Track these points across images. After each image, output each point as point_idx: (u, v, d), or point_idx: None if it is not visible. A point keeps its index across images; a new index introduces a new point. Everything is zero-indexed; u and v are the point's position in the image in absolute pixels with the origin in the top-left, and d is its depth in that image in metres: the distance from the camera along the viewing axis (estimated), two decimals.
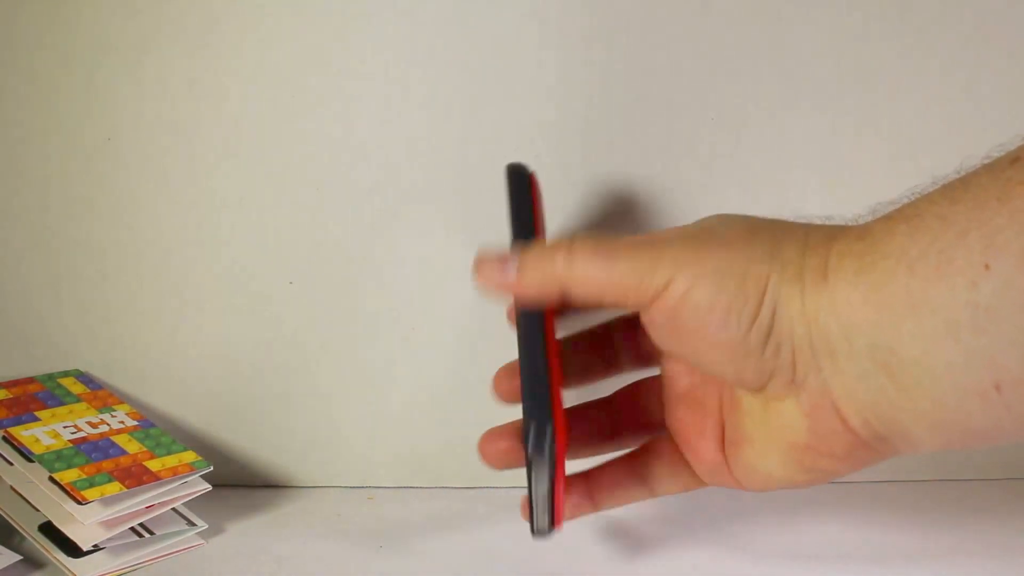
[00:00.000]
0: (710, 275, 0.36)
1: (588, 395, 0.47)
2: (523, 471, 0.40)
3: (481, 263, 0.41)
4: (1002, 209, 0.30)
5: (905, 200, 0.35)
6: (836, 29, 0.51)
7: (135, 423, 0.51)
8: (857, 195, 0.53)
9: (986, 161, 0.33)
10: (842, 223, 0.38)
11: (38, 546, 0.46)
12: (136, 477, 0.47)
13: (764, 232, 0.37)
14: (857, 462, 0.37)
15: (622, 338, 0.45)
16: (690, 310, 0.36)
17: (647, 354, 0.45)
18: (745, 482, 0.40)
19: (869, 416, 0.35)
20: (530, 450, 0.37)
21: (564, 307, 0.41)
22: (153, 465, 0.48)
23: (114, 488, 0.46)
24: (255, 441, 0.56)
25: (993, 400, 0.31)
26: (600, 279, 0.38)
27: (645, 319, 0.38)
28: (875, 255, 0.33)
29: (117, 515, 0.45)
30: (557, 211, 0.52)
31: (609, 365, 0.46)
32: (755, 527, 0.51)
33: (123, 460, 0.48)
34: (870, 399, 0.34)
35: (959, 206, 0.31)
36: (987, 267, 0.30)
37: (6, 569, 0.45)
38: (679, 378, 0.42)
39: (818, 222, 0.38)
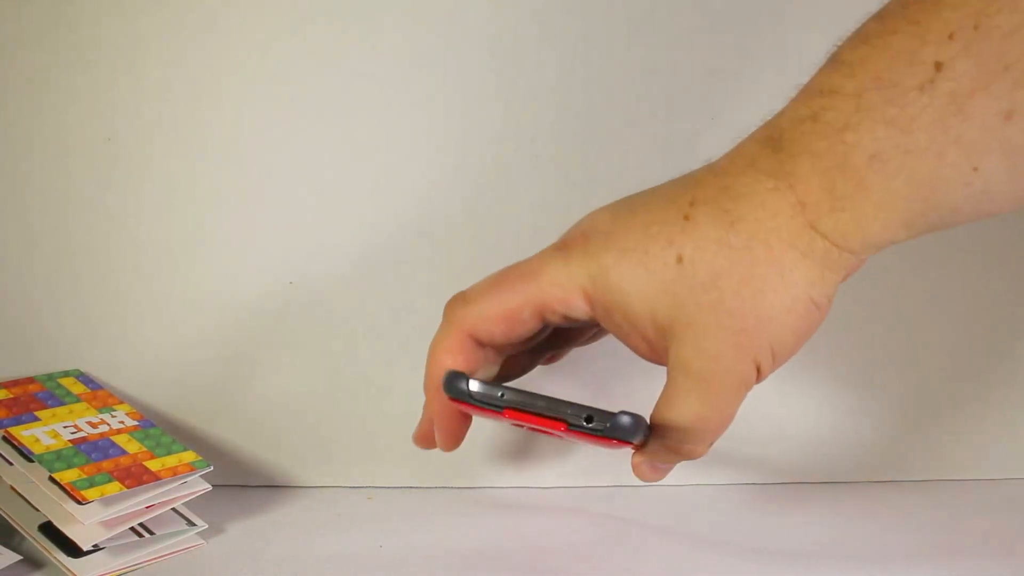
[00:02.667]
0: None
1: None
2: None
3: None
4: (966, 123, 0.33)
5: (834, 135, 0.36)
6: (836, 29, 0.51)
7: (135, 423, 0.51)
8: None
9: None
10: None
11: (38, 546, 0.46)
12: (136, 477, 0.47)
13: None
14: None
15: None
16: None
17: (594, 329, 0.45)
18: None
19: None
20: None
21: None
22: (153, 465, 0.48)
23: (114, 488, 0.46)
24: (255, 441, 0.56)
25: (971, 179, 0.34)
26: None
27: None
28: (865, 213, 0.35)
29: (117, 515, 0.45)
30: (557, 211, 0.52)
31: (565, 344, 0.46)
32: (755, 527, 0.51)
33: (123, 460, 0.48)
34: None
35: (918, 135, 0.34)
36: (976, 169, 0.34)
37: (6, 569, 0.45)
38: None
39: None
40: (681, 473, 0.55)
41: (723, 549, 0.48)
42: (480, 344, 0.41)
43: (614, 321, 0.39)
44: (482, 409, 0.39)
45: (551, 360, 0.47)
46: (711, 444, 0.41)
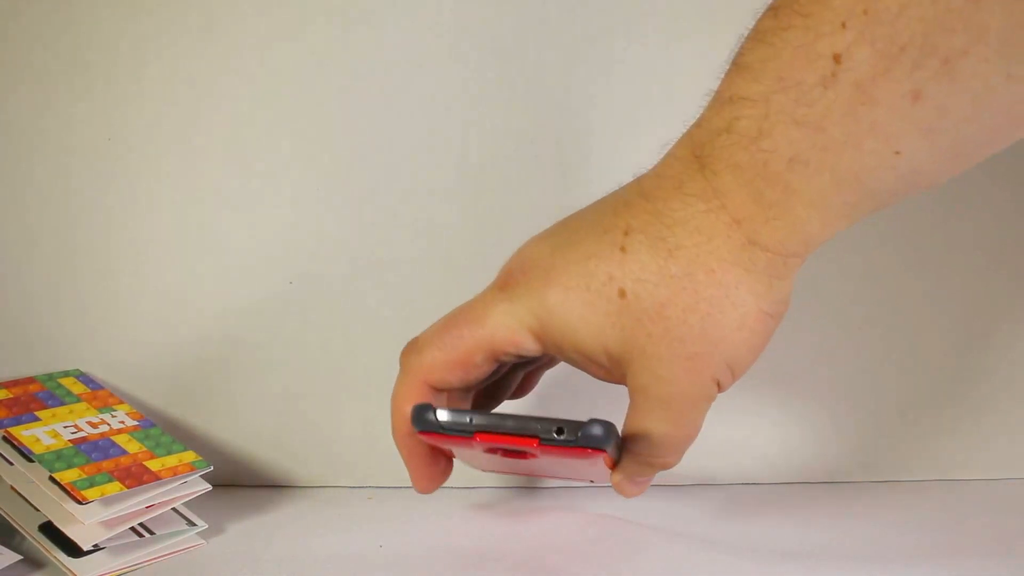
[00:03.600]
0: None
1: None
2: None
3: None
4: (876, 110, 0.33)
5: (749, 141, 0.36)
6: None
7: (135, 423, 0.51)
8: None
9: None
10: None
11: (38, 546, 0.46)
12: (136, 477, 0.47)
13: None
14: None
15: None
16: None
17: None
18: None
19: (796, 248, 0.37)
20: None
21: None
22: (153, 465, 0.48)
23: (114, 488, 0.46)
24: (255, 441, 0.56)
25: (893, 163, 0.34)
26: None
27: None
28: (795, 211, 0.35)
29: (117, 515, 0.45)
30: (557, 211, 0.52)
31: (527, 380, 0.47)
32: (755, 527, 0.51)
33: (123, 460, 0.48)
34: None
35: (832, 131, 0.34)
36: (898, 152, 0.33)
37: (6, 569, 0.45)
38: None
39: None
40: (681, 473, 0.56)
41: (723, 549, 0.48)
42: (438, 390, 0.41)
43: (567, 355, 0.40)
44: (453, 438, 0.39)
45: (518, 394, 0.47)
46: (683, 453, 0.41)
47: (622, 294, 0.37)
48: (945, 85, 0.31)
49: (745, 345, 0.37)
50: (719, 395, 0.39)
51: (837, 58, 0.32)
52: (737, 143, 0.35)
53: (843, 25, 0.32)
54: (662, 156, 0.38)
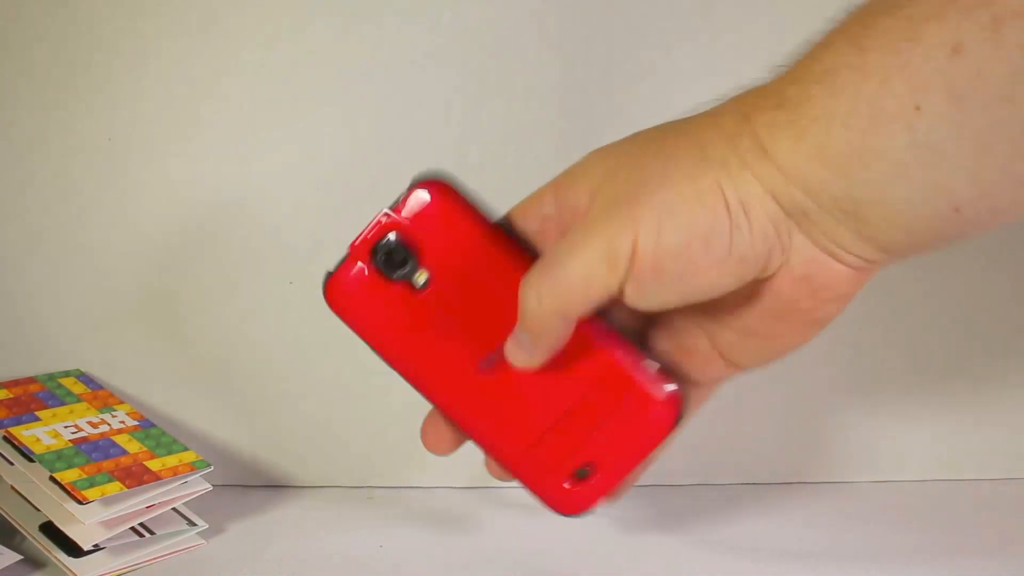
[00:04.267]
0: (668, 215, 0.36)
1: None
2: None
3: (510, 354, 0.41)
4: (916, 49, 0.31)
5: (803, 53, 0.35)
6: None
7: (135, 423, 0.51)
8: None
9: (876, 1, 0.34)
10: (738, 91, 0.38)
11: (39, 546, 0.46)
12: (136, 477, 0.47)
13: (678, 145, 0.38)
14: (860, 284, 0.38)
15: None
16: (671, 257, 0.36)
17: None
18: (756, 365, 0.41)
19: (856, 250, 0.36)
20: None
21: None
22: (153, 465, 0.48)
23: (114, 488, 0.46)
24: (255, 441, 0.56)
25: (955, 220, 0.33)
26: (578, 295, 0.37)
27: (627, 290, 0.37)
28: (804, 120, 0.34)
29: (117, 515, 0.45)
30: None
31: None
32: (756, 527, 0.51)
33: (123, 460, 0.48)
34: (850, 237, 0.35)
35: (871, 55, 0.32)
36: (918, 108, 0.31)
37: (6, 569, 0.45)
38: (639, 317, 0.41)
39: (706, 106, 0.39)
40: (681, 473, 0.56)
41: (723, 549, 0.48)
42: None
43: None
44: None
45: None
46: (547, 320, 0.39)
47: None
48: (989, 47, 0.30)
49: (685, 211, 0.36)
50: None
51: None
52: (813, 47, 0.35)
53: None
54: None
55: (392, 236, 0.43)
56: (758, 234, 0.36)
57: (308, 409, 0.55)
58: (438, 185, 0.43)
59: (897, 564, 0.47)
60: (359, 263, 0.43)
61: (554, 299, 0.38)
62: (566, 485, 0.43)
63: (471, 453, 0.44)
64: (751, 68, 0.51)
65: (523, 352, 0.40)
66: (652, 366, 0.42)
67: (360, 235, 0.43)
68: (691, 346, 0.41)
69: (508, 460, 0.43)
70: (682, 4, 0.51)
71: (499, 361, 0.42)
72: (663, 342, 0.42)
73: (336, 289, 0.43)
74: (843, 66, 0.33)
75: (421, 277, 0.43)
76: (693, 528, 0.51)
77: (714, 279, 0.36)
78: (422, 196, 0.43)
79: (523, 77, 0.52)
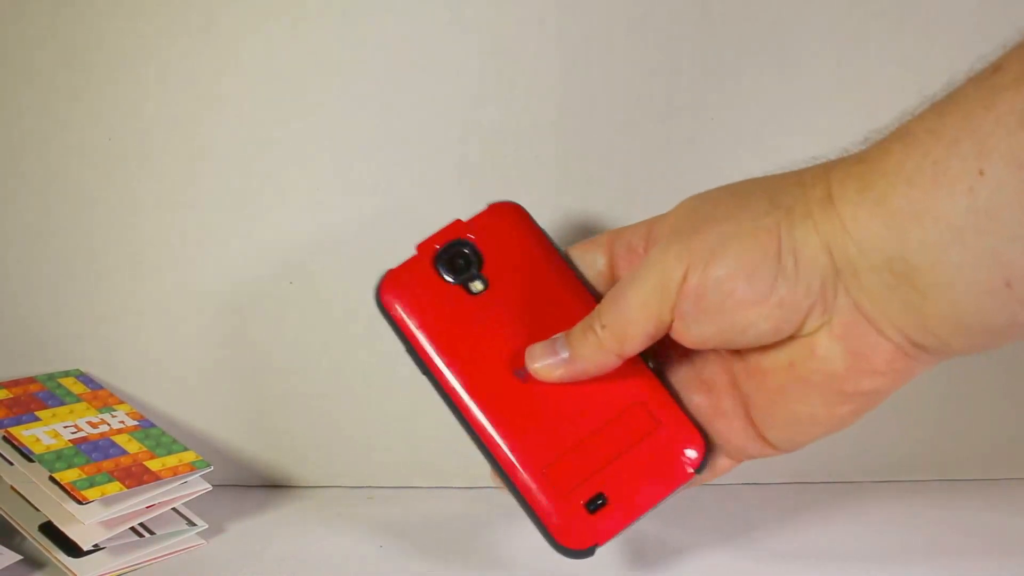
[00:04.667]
0: (720, 247, 0.37)
1: None
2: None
3: (532, 357, 0.43)
4: (988, 115, 0.32)
5: (896, 124, 0.36)
6: (836, 29, 0.51)
7: (135, 423, 0.51)
8: None
9: (970, 74, 0.34)
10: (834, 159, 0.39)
11: (38, 546, 0.46)
12: (136, 477, 0.47)
13: (755, 191, 0.39)
14: (898, 376, 0.37)
15: None
16: (714, 286, 0.37)
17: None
18: (782, 442, 0.41)
19: (900, 324, 0.35)
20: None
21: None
22: (153, 465, 0.48)
23: (114, 488, 0.46)
24: (255, 441, 0.56)
25: (1006, 296, 0.32)
26: (636, 325, 0.39)
27: (675, 321, 0.39)
28: (874, 174, 0.35)
29: (117, 515, 0.45)
30: (557, 211, 0.52)
31: None
32: (756, 527, 0.51)
33: (123, 460, 0.48)
34: (897, 307, 0.35)
35: (948, 119, 0.33)
36: (981, 172, 0.31)
37: (6, 569, 0.45)
38: (679, 368, 0.43)
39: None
40: None
41: (723, 549, 0.48)
42: None
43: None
44: None
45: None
46: (603, 343, 0.40)
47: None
48: None
49: (736, 250, 0.37)
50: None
51: (996, 68, 0.33)
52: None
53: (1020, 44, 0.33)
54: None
55: (460, 242, 0.45)
56: (802, 284, 0.36)
57: (308, 409, 0.55)
58: (512, 207, 0.46)
59: (897, 564, 0.47)
60: (422, 262, 0.45)
61: (615, 328, 0.40)
62: (577, 513, 0.42)
63: (470, 453, 0.44)
64: (751, 68, 0.52)
65: (554, 365, 0.42)
66: (683, 412, 0.43)
67: (429, 237, 0.45)
68: (725, 408, 0.42)
69: (521, 478, 0.43)
70: (682, 4, 0.51)
71: (532, 377, 0.43)
72: (699, 398, 0.43)
73: (393, 281, 0.45)
74: (921, 129, 0.34)
75: (477, 285, 0.45)
76: (693, 528, 0.51)
77: (752, 318, 0.37)
78: (495, 213, 0.46)
79: (523, 77, 0.52)
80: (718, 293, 0.37)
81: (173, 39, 0.52)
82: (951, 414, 0.57)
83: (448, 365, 0.44)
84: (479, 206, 0.52)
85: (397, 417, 0.55)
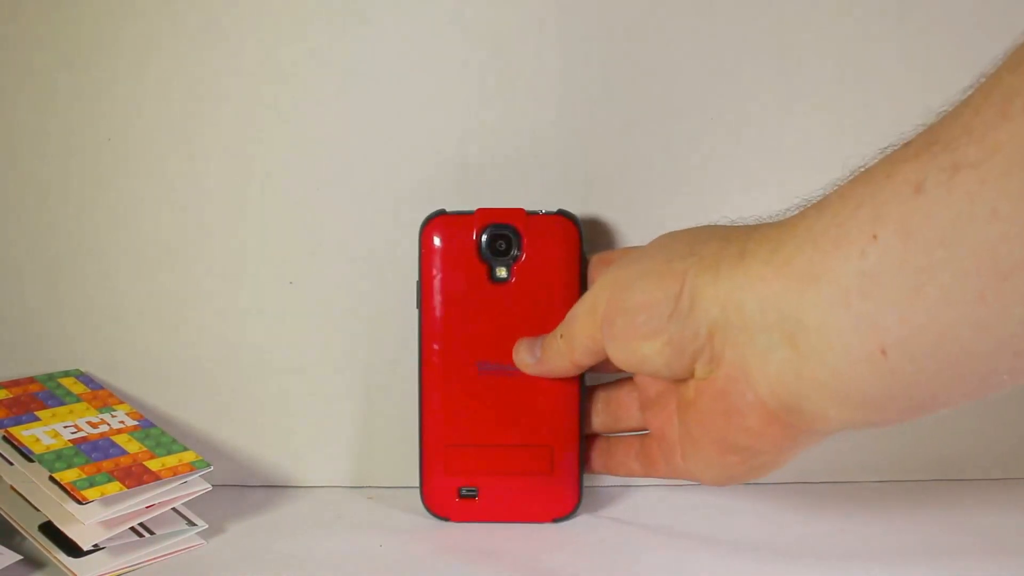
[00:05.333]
0: (635, 281, 0.41)
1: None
2: None
3: (517, 350, 0.49)
4: (888, 183, 0.32)
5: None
6: (836, 29, 0.51)
7: (135, 423, 0.51)
8: None
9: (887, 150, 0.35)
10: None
11: (38, 546, 0.46)
12: (136, 477, 0.47)
13: (686, 236, 0.42)
14: (776, 442, 0.39)
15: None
16: (620, 314, 0.41)
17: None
18: (700, 476, 0.43)
19: (776, 387, 0.36)
20: None
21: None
22: (153, 465, 0.48)
23: (114, 488, 0.46)
24: (255, 441, 0.56)
25: (881, 365, 0.33)
26: (579, 340, 0.45)
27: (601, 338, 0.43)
28: (785, 235, 0.36)
29: (117, 515, 0.45)
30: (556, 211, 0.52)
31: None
32: (756, 526, 0.51)
33: (123, 460, 0.48)
34: (776, 369, 0.36)
35: (857, 187, 0.34)
36: (875, 236, 0.32)
37: (6, 569, 0.45)
38: (647, 386, 0.46)
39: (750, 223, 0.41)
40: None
41: (723, 549, 0.48)
42: None
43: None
44: None
45: None
46: (557, 353, 0.47)
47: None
48: (943, 190, 0.31)
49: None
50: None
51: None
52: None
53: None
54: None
55: (512, 229, 0.49)
56: (690, 328, 0.38)
57: (308, 409, 0.55)
58: (570, 224, 0.50)
59: (897, 564, 0.47)
60: (470, 224, 0.50)
61: (567, 339, 0.46)
62: (448, 491, 0.51)
63: None
64: (751, 68, 0.52)
65: (529, 362, 0.49)
66: (578, 472, 0.50)
67: (492, 209, 0.50)
68: (662, 426, 0.44)
69: (427, 439, 0.50)
70: (682, 4, 0.51)
71: (494, 372, 0.50)
72: (650, 416, 0.46)
73: (437, 227, 0.50)
74: (836, 195, 0.35)
75: (503, 272, 0.50)
76: (693, 528, 0.51)
77: (647, 350, 0.40)
78: (554, 221, 0.50)
79: (523, 77, 0.52)
80: (623, 321, 0.41)
81: (173, 39, 0.52)
82: (951, 414, 0.56)
83: (433, 319, 0.50)
84: (479, 206, 0.52)
85: (397, 417, 0.55)
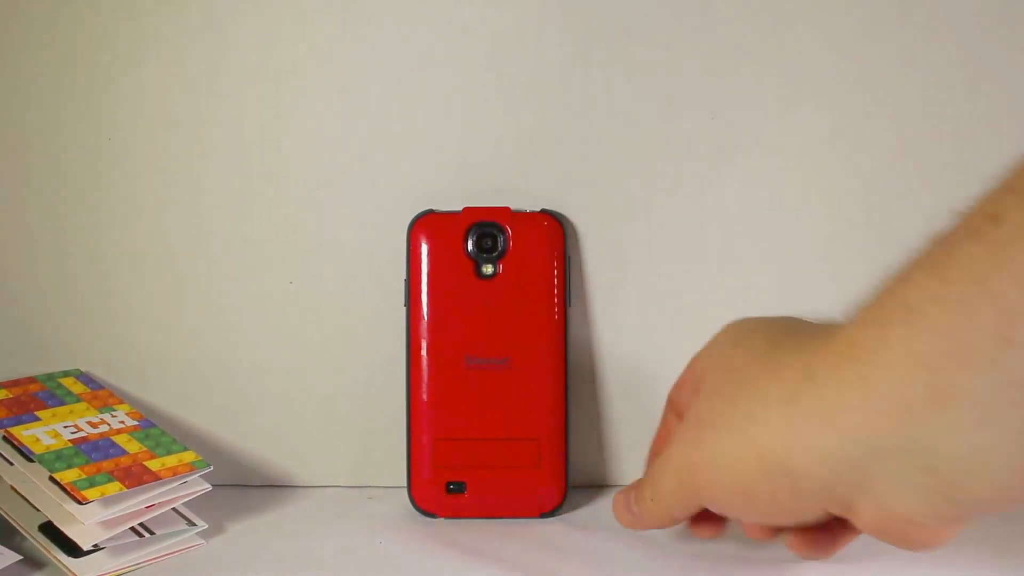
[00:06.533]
0: (715, 470, 0.38)
1: None
2: None
3: (616, 506, 0.47)
4: (1003, 277, 0.29)
5: (882, 288, 0.33)
6: (836, 29, 0.51)
7: (135, 423, 0.51)
8: (857, 195, 0.53)
9: (959, 220, 0.31)
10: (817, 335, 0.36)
11: (38, 546, 0.46)
12: (136, 477, 0.47)
13: (759, 381, 0.37)
14: (948, 532, 0.36)
15: None
16: (722, 503, 0.39)
17: None
18: None
19: (931, 511, 0.34)
20: None
21: None
22: (153, 465, 0.48)
23: (114, 488, 0.46)
24: (255, 441, 0.56)
25: None
26: (675, 509, 0.42)
27: None
28: (875, 369, 0.32)
29: (117, 515, 0.45)
30: (558, 211, 0.52)
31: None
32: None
33: (123, 460, 0.48)
34: (922, 500, 0.33)
35: (955, 286, 0.30)
36: (1011, 342, 0.29)
37: (6, 569, 0.45)
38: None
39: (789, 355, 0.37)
40: None
41: (722, 549, 0.48)
42: None
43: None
44: None
45: None
46: (656, 516, 0.44)
47: None
48: None
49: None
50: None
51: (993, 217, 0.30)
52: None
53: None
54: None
55: (498, 226, 0.51)
56: (806, 494, 0.35)
57: (308, 409, 0.55)
58: (554, 222, 0.51)
59: (897, 564, 0.47)
60: (458, 223, 0.51)
61: (661, 504, 0.42)
62: (437, 486, 0.51)
63: None
64: (751, 68, 0.52)
65: (627, 518, 0.46)
66: (564, 467, 0.51)
67: (478, 207, 0.51)
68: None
69: (415, 432, 0.51)
70: (682, 4, 0.51)
71: (481, 367, 0.50)
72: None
73: (425, 226, 0.51)
74: (926, 300, 0.30)
75: (489, 269, 0.51)
76: (680, 530, 0.51)
77: (775, 519, 0.38)
78: (540, 219, 0.51)
79: (523, 77, 0.52)
80: (730, 509, 0.39)
81: (173, 39, 0.52)
82: None
83: (421, 315, 0.51)
84: (479, 205, 0.52)
85: (396, 417, 0.55)
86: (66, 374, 0.54)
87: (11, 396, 0.51)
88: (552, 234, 0.51)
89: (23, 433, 0.48)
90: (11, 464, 0.47)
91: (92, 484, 0.46)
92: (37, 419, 0.50)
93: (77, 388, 0.53)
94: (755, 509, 0.38)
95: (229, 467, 0.55)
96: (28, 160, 0.53)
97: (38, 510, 0.46)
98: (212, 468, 0.49)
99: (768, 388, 0.36)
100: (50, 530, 0.46)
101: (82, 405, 0.52)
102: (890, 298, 0.32)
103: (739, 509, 0.39)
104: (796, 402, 0.35)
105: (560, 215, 0.52)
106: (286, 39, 0.52)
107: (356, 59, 0.52)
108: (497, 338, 0.50)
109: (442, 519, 0.51)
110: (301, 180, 0.53)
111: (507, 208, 0.51)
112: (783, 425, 0.35)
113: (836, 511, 0.36)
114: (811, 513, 0.37)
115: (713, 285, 0.53)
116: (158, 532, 0.47)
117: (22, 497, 0.47)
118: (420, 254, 0.51)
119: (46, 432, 0.49)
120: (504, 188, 0.53)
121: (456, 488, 0.51)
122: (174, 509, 0.49)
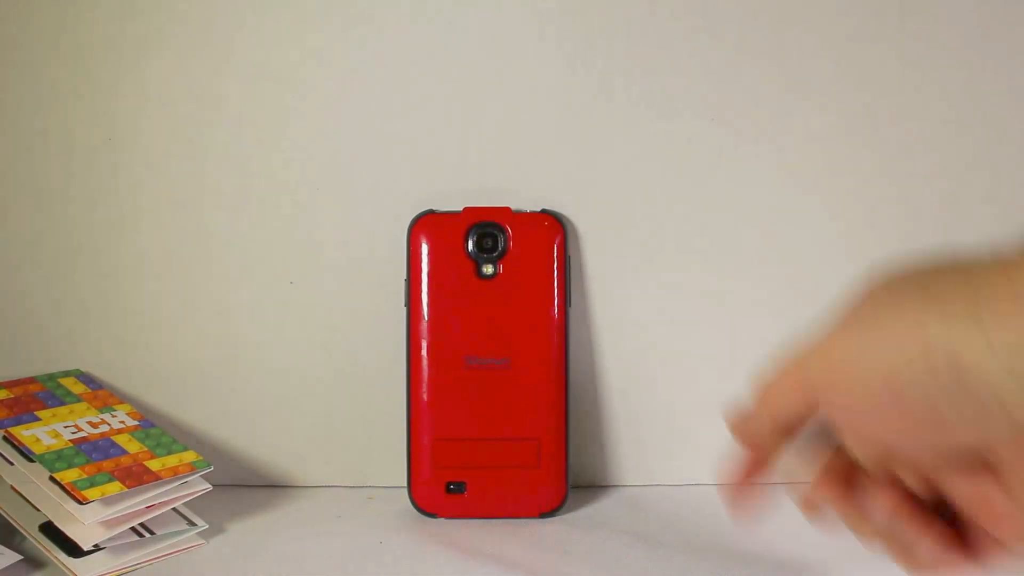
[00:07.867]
0: (869, 357, 0.31)
1: None
2: None
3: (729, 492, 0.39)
4: None
5: None
6: (836, 29, 0.51)
7: (135, 423, 0.51)
8: (857, 195, 0.53)
9: None
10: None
11: (39, 546, 0.46)
12: (136, 477, 0.47)
13: (916, 291, 0.32)
14: None
15: None
16: (858, 394, 0.32)
17: None
18: None
19: None
20: None
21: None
22: (153, 465, 0.48)
23: (114, 488, 0.46)
24: (255, 441, 0.56)
25: None
26: (782, 409, 0.35)
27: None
28: None
29: (117, 515, 0.45)
30: (558, 211, 0.52)
31: None
32: (756, 526, 0.51)
33: (123, 460, 0.48)
34: None
35: None
36: None
37: (7, 569, 0.45)
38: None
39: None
40: (681, 474, 0.56)
41: (722, 549, 0.48)
42: None
43: None
44: None
45: None
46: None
47: None
48: None
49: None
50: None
51: None
52: None
53: None
54: None
55: (498, 226, 0.51)
56: (968, 402, 0.29)
57: (308, 409, 0.55)
58: (555, 222, 0.51)
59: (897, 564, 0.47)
60: (458, 223, 0.51)
61: (759, 408, 0.36)
62: (437, 486, 0.51)
63: None
64: (751, 68, 0.52)
65: (737, 423, 0.37)
66: (565, 465, 0.51)
67: (478, 207, 0.51)
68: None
69: (415, 433, 0.51)
70: (682, 4, 0.51)
71: (481, 367, 0.51)
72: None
73: (425, 226, 0.51)
74: None
75: (489, 268, 0.51)
76: (692, 528, 0.51)
77: (913, 435, 0.31)
78: (541, 219, 0.51)
79: (523, 77, 0.52)
80: (854, 416, 0.33)
81: (173, 39, 0.52)
82: None
83: (421, 315, 0.51)
84: (479, 205, 0.52)
85: (396, 417, 0.55)
86: (66, 374, 0.54)
87: (11, 396, 0.51)
88: (552, 234, 0.51)
89: (23, 433, 0.48)
90: (11, 464, 0.47)
91: (92, 484, 0.46)
92: (37, 419, 0.50)
93: (77, 388, 0.53)
94: (896, 417, 0.31)
95: (229, 467, 0.55)
96: (29, 160, 0.53)
97: (38, 510, 0.46)
98: (212, 468, 0.49)
99: (954, 282, 0.30)
100: (50, 530, 0.46)
101: (82, 405, 0.52)
102: None
103: (870, 418, 0.32)
104: (984, 295, 0.29)
105: (560, 215, 0.52)
106: (287, 40, 0.52)
107: (357, 60, 0.52)
108: (497, 338, 0.51)
109: (442, 519, 0.51)
110: (302, 180, 0.53)
111: (507, 208, 0.51)
112: (966, 312, 0.29)
113: (995, 437, 0.30)
114: (962, 434, 0.30)
115: (713, 285, 0.53)
116: (158, 532, 0.48)
117: (22, 497, 0.47)
118: (420, 254, 0.51)
119: (46, 432, 0.49)
120: (504, 188, 0.53)
121: (456, 488, 0.51)
122: (174, 509, 0.49)
